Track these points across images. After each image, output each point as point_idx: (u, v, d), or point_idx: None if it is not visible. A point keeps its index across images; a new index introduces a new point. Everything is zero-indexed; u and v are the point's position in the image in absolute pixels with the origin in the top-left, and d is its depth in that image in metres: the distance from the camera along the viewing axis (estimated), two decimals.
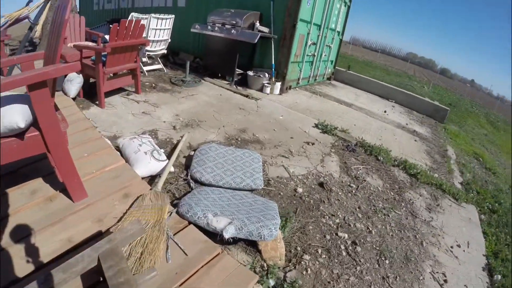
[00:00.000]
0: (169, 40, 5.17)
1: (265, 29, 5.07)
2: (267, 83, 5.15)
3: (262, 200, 2.05)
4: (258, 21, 5.05)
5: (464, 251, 2.79)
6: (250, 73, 5.25)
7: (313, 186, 2.75)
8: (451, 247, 2.77)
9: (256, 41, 4.63)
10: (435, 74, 38.09)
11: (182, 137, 2.90)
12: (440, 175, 4.25)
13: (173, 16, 5.01)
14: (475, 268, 2.64)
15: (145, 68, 5.01)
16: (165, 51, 5.26)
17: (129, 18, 4.19)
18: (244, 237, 1.65)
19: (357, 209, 2.78)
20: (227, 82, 5.25)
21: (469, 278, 2.49)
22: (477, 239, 3.05)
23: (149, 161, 2.14)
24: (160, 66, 5.32)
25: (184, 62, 5.31)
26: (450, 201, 3.61)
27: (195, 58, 6.93)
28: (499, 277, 2.63)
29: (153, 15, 4.69)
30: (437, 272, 2.39)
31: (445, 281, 2.34)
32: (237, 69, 5.22)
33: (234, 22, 4.81)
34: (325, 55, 7.29)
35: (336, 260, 2.07)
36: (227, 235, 1.58)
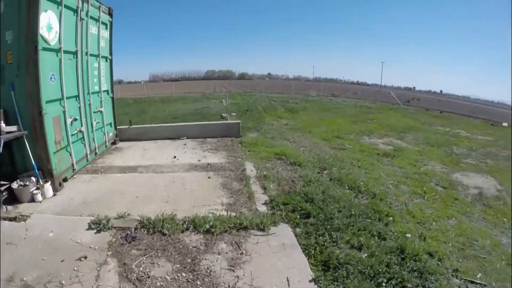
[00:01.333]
0: None
1: (13, 128, 5.55)
2: (36, 189, 5.63)
3: None
4: (3, 121, 5.45)
5: None
6: (14, 185, 5.68)
7: None
8: None
9: (1, 149, 5.01)
10: (235, 81, 47.91)
11: None
12: (240, 208, 4.78)
13: None
14: None
15: None
16: None
17: None
18: None
19: None
20: None
21: None
22: (298, 265, 3.52)
23: None
24: None
25: None
26: (256, 236, 4.04)
27: None
28: None
29: None
30: None
31: None
32: (1, 184, 5.56)
33: None
34: (97, 123, 8.02)
35: None
36: None
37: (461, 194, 6.51)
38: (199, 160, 7.40)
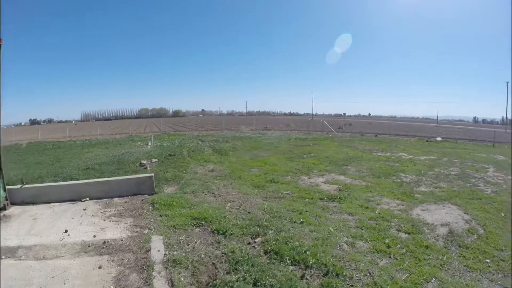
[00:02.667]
0: None
1: None
2: None
3: None
4: None
5: None
6: None
7: None
8: None
9: None
10: (169, 119, 49.31)
11: None
12: None
13: None
14: None
15: None
16: None
17: None
18: None
19: None
20: None
21: None
22: None
23: None
24: None
25: None
26: None
27: None
28: None
29: None
30: None
31: None
32: None
33: None
34: None
35: None
36: None
37: (430, 238, 5.58)
38: (94, 236, 6.00)
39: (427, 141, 24.13)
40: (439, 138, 26.14)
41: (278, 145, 20.07)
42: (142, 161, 13.77)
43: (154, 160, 14.21)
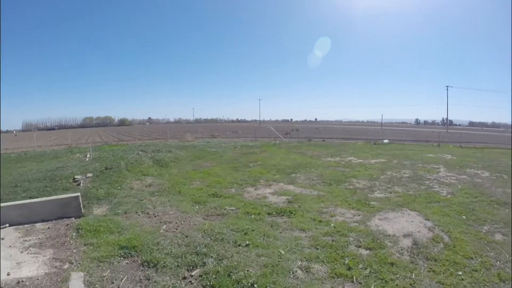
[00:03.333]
0: None
1: None
2: None
3: None
4: None
5: None
6: None
7: None
8: None
9: None
10: (114, 127, 49.28)
11: None
12: None
13: None
14: None
15: None
16: None
17: None
18: None
19: None
20: None
21: None
22: None
23: None
24: None
25: None
26: None
27: None
28: None
29: None
30: None
31: None
32: None
33: None
34: None
35: None
36: None
37: (394, 253, 5.08)
38: (8, 274, 5.11)
39: (374, 143, 24.58)
40: (386, 141, 26.77)
41: (223, 153, 19.35)
42: (76, 177, 12.44)
43: (89, 174, 12.97)
